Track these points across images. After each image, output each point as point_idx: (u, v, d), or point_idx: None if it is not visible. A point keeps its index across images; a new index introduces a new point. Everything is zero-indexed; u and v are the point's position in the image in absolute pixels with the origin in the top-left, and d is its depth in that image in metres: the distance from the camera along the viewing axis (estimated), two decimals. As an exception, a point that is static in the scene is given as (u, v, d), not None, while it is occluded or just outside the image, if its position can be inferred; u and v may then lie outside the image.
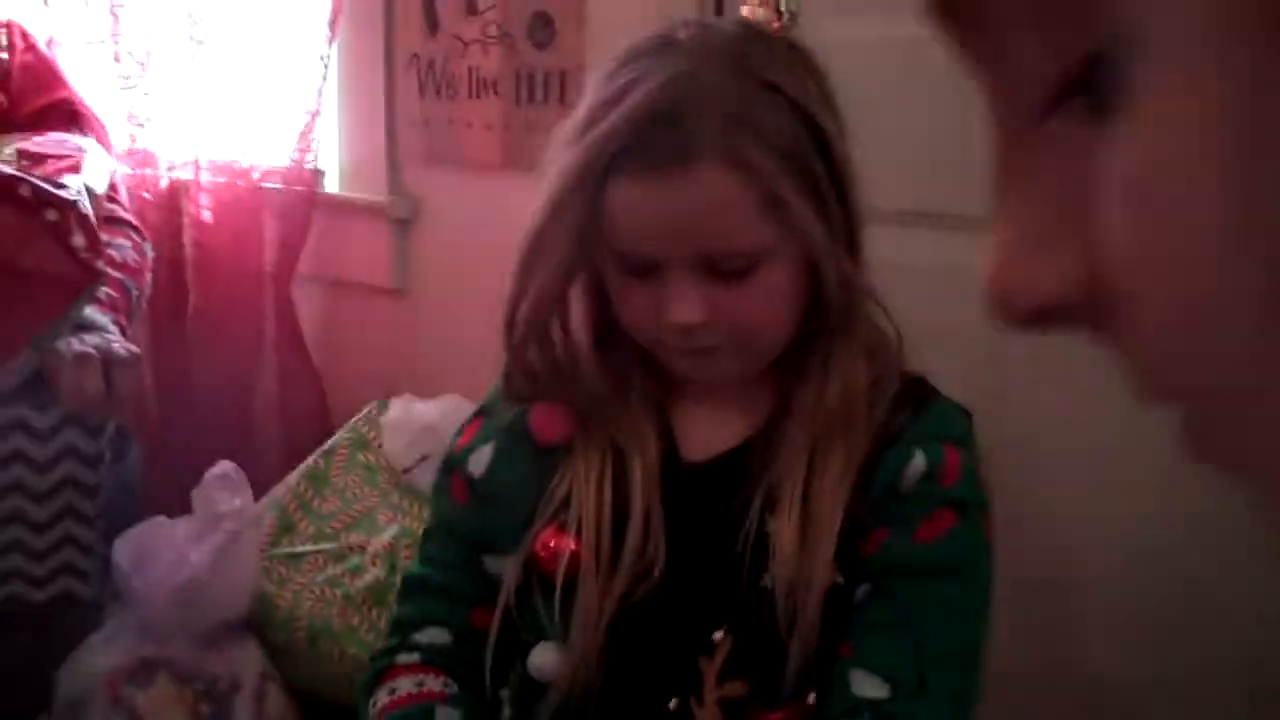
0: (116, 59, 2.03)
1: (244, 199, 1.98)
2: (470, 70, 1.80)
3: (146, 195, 2.02)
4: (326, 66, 1.88)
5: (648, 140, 0.82)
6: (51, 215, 1.29)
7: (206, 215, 1.99)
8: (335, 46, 1.88)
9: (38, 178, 1.30)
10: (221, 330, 1.99)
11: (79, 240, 1.30)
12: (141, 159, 2.06)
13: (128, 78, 2.04)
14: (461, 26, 1.79)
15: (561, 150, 0.86)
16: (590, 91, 0.87)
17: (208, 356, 2.00)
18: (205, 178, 2.01)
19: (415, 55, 1.86)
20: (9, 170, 1.29)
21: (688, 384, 0.94)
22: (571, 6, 1.67)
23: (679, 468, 0.92)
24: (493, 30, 1.76)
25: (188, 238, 2.04)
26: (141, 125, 2.03)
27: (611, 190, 0.84)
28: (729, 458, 0.91)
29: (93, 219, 1.32)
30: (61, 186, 1.31)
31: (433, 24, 1.83)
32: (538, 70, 1.73)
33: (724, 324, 0.86)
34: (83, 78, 2.03)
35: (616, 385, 0.93)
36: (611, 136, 0.82)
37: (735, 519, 0.88)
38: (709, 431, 0.93)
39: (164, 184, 2.05)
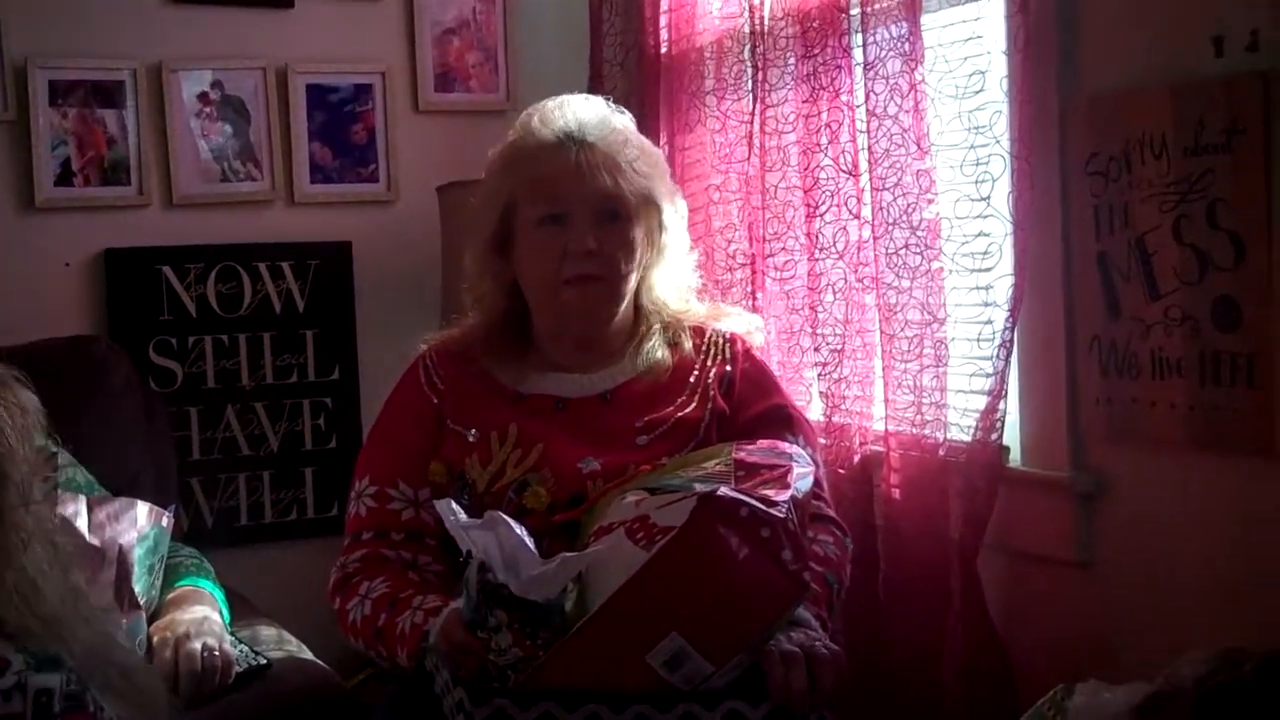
0: (815, 349, 2.26)
1: (931, 473, 2.09)
2: (1153, 352, 1.81)
3: (841, 470, 2.20)
4: (1010, 349, 1.96)
5: None
6: (765, 532, 1.46)
7: (896, 493, 2.12)
8: (1017, 330, 1.96)
9: (754, 499, 1.48)
10: (909, 599, 2.10)
11: (788, 555, 1.46)
12: (837, 434, 2.25)
13: (824, 364, 2.25)
14: (1143, 310, 1.81)
15: None
16: None
17: (896, 623, 2.11)
18: (895, 453, 2.15)
19: (1096, 337, 1.89)
20: (733, 494, 1.49)
21: None
22: (1257, 289, 1.64)
23: None
24: (1175, 314, 1.77)
25: (878, 509, 2.18)
26: (837, 406, 2.23)
27: None
28: None
29: (799, 534, 1.48)
30: (773, 504, 1.49)
31: (1114, 307, 1.86)
32: (1223, 352, 1.71)
33: None
34: (788, 368, 2.29)
35: None
36: None
37: None
38: None
39: (856, 459, 2.22)
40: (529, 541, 1.53)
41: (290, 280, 3.02)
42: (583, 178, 1.87)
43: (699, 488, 1.56)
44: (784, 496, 1.53)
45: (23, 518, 1.25)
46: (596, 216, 1.88)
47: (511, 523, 1.53)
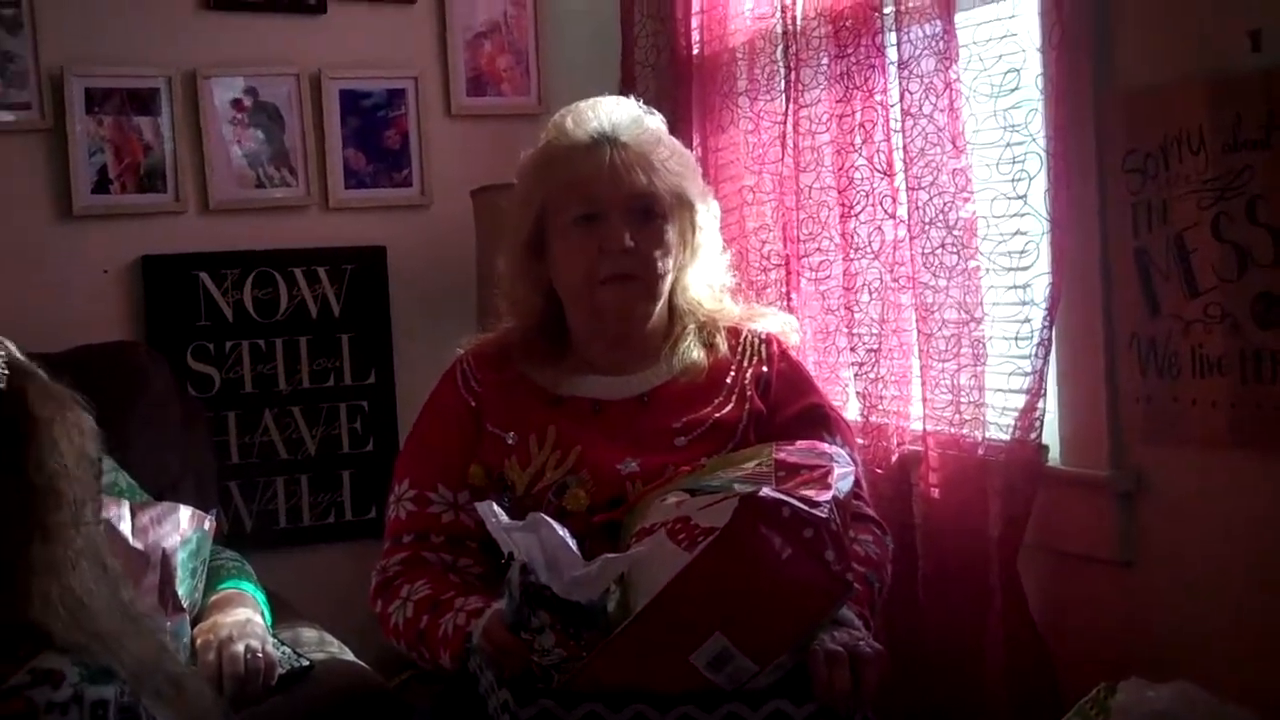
0: (852, 349, 2.26)
1: (969, 472, 2.09)
2: (1193, 350, 1.80)
3: (879, 470, 2.20)
4: (1048, 347, 1.96)
5: None
6: (808, 533, 1.47)
7: (935, 492, 2.12)
8: (1056, 329, 1.96)
9: (796, 499, 1.49)
10: (949, 598, 2.10)
11: (831, 555, 1.47)
12: (875, 433, 2.25)
13: (861, 364, 2.25)
14: (1183, 307, 1.81)
15: None
16: None
17: (936, 622, 2.11)
18: (933, 452, 2.15)
19: (1135, 335, 1.89)
20: (775, 495, 1.49)
21: None
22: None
23: None
24: (1215, 311, 1.76)
25: (916, 508, 2.18)
26: (874, 406, 2.23)
27: None
28: None
29: (841, 534, 1.49)
30: (815, 505, 1.49)
31: (1153, 305, 1.85)
32: (1264, 349, 1.70)
33: None
34: (824, 368, 2.29)
35: None
36: None
37: None
38: None
39: (894, 458, 2.22)
40: (571, 543, 1.54)
41: (326, 285, 3.03)
42: (617, 177, 1.88)
43: (740, 488, 1.57)
44: (826, 497, 1.54)
45: (73, 537, 1.26)
46: (631, 215, 1.89)
47: (554, 524, 1.54)
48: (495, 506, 1.62)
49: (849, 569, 1.55)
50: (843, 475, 1.62)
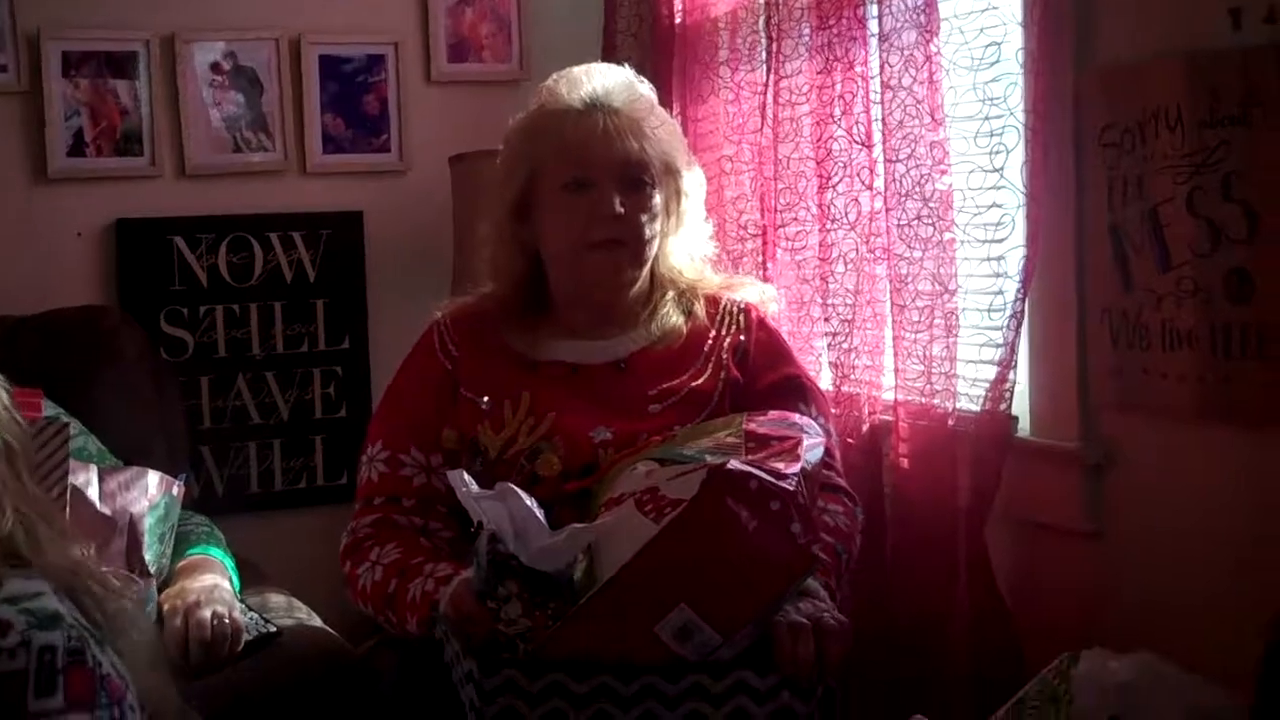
0: (826, 319, 2.26)
1: (939, 442, 2.09)
2: (1164, 323, 1.80)
3: (850, 440, 2.20)
4: (1020, 319, 1.96)
5: None
6: (775, 505, 1.47)
7: (904, 462, 2.12)
8: (1029, 301, 1.96)
9: (764, 471, 1.49)
10: (916, 568, 2.10)
11: (797, 527, 1.47)
12: (846, 403, 2.25)
13: (834, 334, 2.25)
14: (1155, 282, 1.81)
15: None
16: None
17: (903, 592, 2.12)
18: (904, 422, 2.15)
19: (1107, 309, 1.89)
20: (743, 467, 1.49)
21: None
22: (1271, 261, 1.64)
23: None
24: (1187, 285, 1.76)
25: (886, 478, 2.19)
26: (846, 376, 2.23)
27: None
28: None
29: (808, 507, 1.49)
30: (783, 477, 1.49)
31: (1126, 279, 1.85)
32: (1234, 324, 1.70)
33: None
34: (798, 337, 2.29)
35: None
36: None
37: None
38: None
39: (865, 428, 2.22)
40: (539, 513, 1.54)
41: (302, 250, 3.02)
42: (610, 143, 1.88)
43: (710, 459, 1.57)
44: (794, 469, 1.54)
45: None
46: (622, 182, 1.89)
47: (522, 494, 1.54)
48: (465, 475, 1.62)
49: (815, 541, 1.56)
50: (812, 446, 1.62)
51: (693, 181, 2.00)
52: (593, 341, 1.96)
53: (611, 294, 1.95)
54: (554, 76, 1.99)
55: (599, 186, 1.88)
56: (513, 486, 1.55)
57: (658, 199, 1.93)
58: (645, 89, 1.99)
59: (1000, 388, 1.98)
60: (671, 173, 1.95)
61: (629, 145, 1.88)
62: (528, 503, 1.52)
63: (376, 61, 3.08)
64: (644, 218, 1.91)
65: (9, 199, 2.81)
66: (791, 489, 1.50)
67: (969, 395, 2.05)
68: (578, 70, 1.98)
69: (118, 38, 2.86)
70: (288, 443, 3.03)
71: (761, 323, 2.01)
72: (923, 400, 2.12)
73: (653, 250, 1.95)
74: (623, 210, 1.88)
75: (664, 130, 1.94)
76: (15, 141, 2.81)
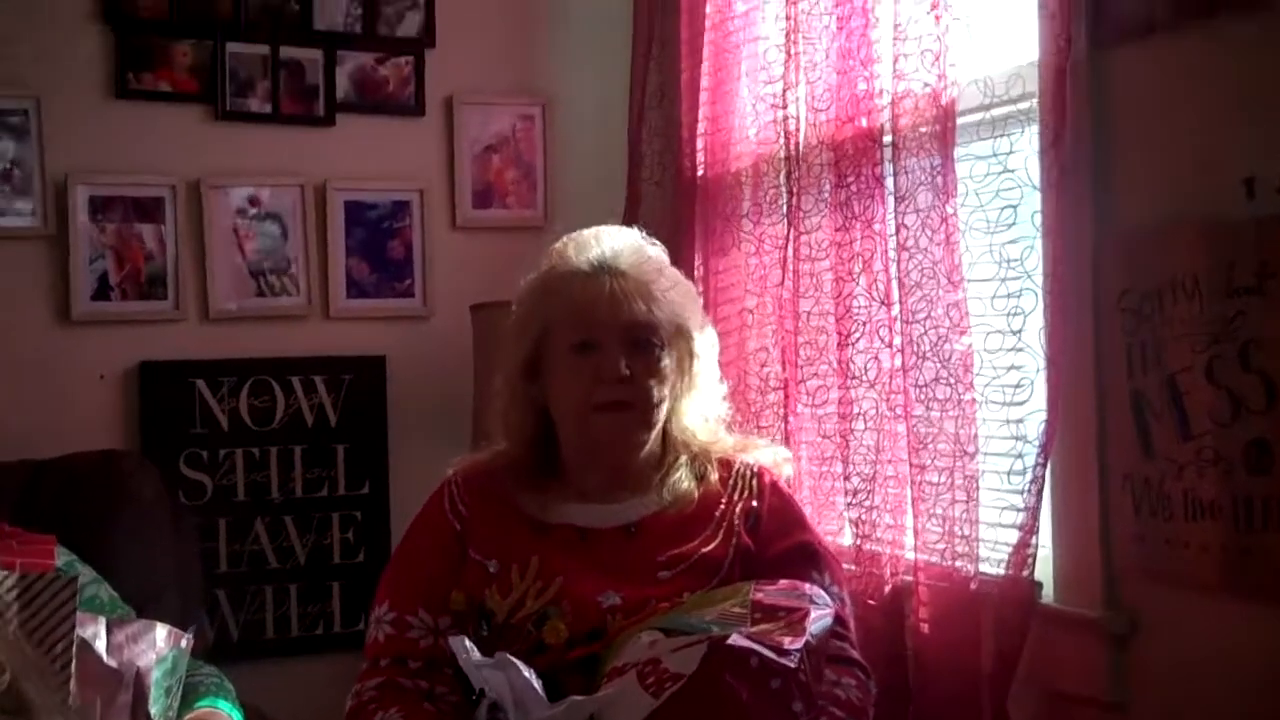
0: (847, 476, 2.24)
1: (961, 607, 2.05)
2: (1185, 493, 1.77)
3: (871, 601, 2.16)
4: (1042, 485, 1.93)
5: None
6: (775, 683, 1.44)
7: (924, 626, 2.08)
8: (1050, 466, 1.93)
9: (766, 647, 1.45)
10: (940, 735, 2.05)
11: (799, 706, 1.43)
12: (868, 562, 2.21)
13: (856, 492, 2.23)
14: (1176, 450, 1.78)
15: None
16: None
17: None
18: (925, 585, 2.11)
19: (1129, 475, 1.86)
20: (744, 643, 1.46)
21: None
22: (1292, 436, 1.62)
23: None
24: (1208, 455, 1.73)
25: (908, 640, 2.14)
26: (868, 535, 2.20)
27: None
28: None
29: (810, 684, 1.45)
30: (785, 653, 1.46)
31: (1147, 446, 1.83)
32: (1255, 496, 1.67)
33: None
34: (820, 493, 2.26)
35: None
36: None
37: None
38: None
39: (887, 589, 2.18)
40: (537, 684, 1.51)
41: (323, 394, 3.03)
42: (616, 305, 1.88)
43: (715, 630, 1.54)
44: (798, 645, 1.51)
45: None
46: (629, 344, 1.89)
47: (520, 665, 1.51)
48: (467, 642, 1.59)
49: (820, 717, 1.51)
50: (819, 618, 1.59)
51: (705, 342, 1.99)
52: (604, 505, 1.94)
53: (621, 456, 1.94)
54: (564, 239, 2.01)
55: (605, 348, 1.89)
56: (510, 657, 1.53)
57: (667, 361, 1.92)
58: (655, 251, 1.99)
59: (1023, 552, 1.94)
60: (683, 334, 1.95)
61: (635, 307, 1.89)
62: (525, 674, 1.50)
63: (401, 207, 3.12)
64: (652, 381, 1.90)
65: (32, 341, 2.85)
66: (793, 666, 1.47)
67: (991, 559, 2.02)
68: (587, 232, 2.00)
69: (145, 183, 2.91)
70: (305, 588, 3.01)
71: (774, 487, 1.99)
72: (944, 563, 2.08)
73: (662, 413, 1.94)
74: (629, 372, 1.87)
75: (675, 292, 1.95)
76: (40, 284, 2.85)
